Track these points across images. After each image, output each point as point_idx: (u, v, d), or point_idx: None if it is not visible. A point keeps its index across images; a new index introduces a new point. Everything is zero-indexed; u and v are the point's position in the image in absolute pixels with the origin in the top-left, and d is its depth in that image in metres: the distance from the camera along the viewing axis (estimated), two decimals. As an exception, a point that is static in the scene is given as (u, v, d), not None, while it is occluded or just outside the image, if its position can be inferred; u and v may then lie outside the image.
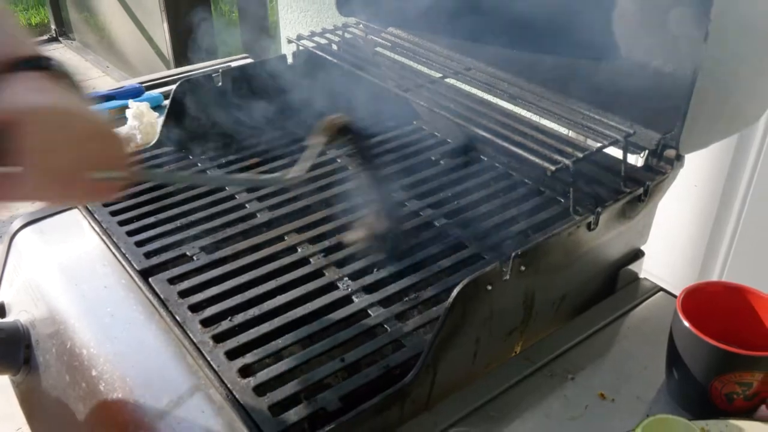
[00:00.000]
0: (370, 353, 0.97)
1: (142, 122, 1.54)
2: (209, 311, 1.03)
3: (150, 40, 4.42)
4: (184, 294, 1.07)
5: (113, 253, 1.17)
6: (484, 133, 1.17)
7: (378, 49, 1.53)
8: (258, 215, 1.25)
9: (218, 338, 0.99)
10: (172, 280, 1.10)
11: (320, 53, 1.48)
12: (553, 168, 1.05)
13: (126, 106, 1.62)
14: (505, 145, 1.14)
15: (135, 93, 1.78)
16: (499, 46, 1.37)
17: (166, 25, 3.99)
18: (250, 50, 2.20)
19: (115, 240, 1.19)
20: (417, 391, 0.92)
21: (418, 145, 1.47)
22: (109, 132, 0.79)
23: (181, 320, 1.02)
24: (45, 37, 5.98)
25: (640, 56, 1.14)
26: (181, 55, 3.96)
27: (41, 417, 1.17)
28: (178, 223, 1.23)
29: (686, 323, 0.89)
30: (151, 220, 1.23)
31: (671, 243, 1.66)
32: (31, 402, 1.19)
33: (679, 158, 1.06)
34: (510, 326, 1.03)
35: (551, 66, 1.27)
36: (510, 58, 1.34)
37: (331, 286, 1.09)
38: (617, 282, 1.17)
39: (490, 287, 0.92)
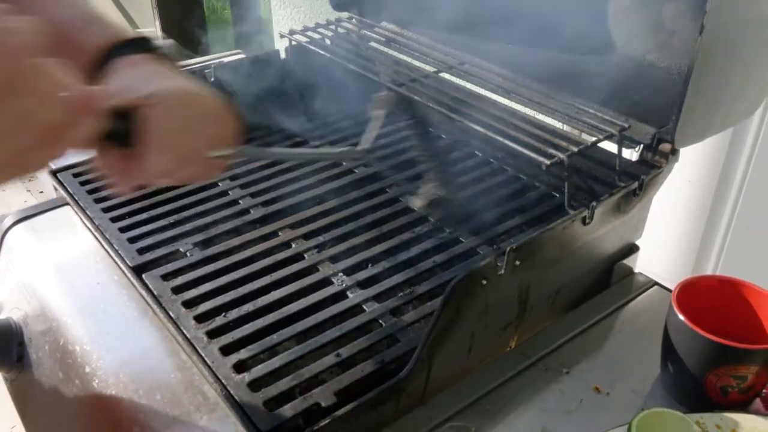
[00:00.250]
0: (365, 348, 0.97)
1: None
2: (203, 307, 1.03)
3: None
4: (177, 290, 1.06)
5: (106, 250, 1.17)
6: (478, 128, 1.17)
7: (371, 44, 1.52)
8: (251, 211, 1.24)
9: (212, 334, 0.99)
10: (166, 277, 1.09)
11: (313, 48, 1.48)
12: (548, 162, 1.05)
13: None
14: (500, 139, 1.14)
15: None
16: (493, 40, 1.37)
17: (158, 23, 3.98)
18: (242, 46, 2.19)
19: (107, 236, 1.18)
20: (412, 386, 0.92)
21: (412, 140, 1.47)
22: (226, 112, 0.81)
23: (174, 316, 1.02)
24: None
25: (634, 50, 1.14)
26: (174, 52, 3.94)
27: (35, 414, 1.17)
28: (171, 219, 1.22)
29: (681, 317, 0.89)
30: (144, 216, 1.23)
31: (665, 238, 1.66)
32: (24, 400, 1.19)
33: (674, 152, 1.06)
34: (505, 321, 1.03)
35: (545, 60, 1.27)
36: (504, 52, 1.34)
37: (326, 282, 1.08)
38: (612, 276, 1.17)
39: (485, 282, 0.92)
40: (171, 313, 1.02)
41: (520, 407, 0.95)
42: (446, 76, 1.38)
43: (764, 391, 0.92)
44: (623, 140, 1.09)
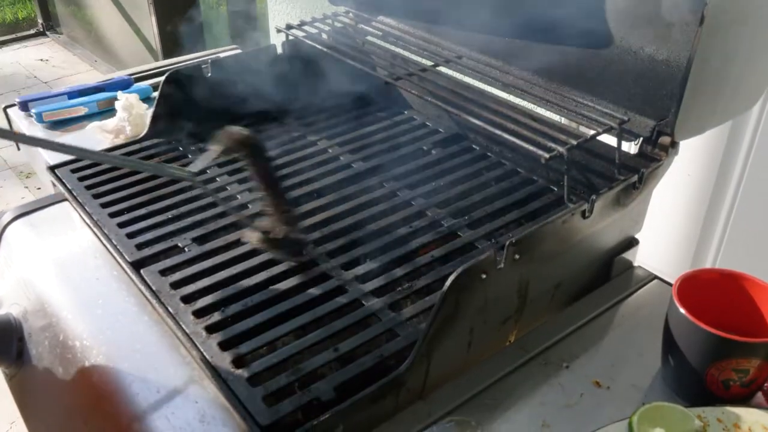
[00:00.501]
0: (364, 343, 0.96)
1: (131, 114, 1.53)
2: (202, 302, 1.03)
3: (138, 32, 4.40)
4: (176, 285, 1.06)
5: (104, 245, 1.17)
6: (476, 122, 1.16)
7: (368, 37, 1.52)
8: (250, 206, 1.24)
9: (211, 329, 0.98)
10: (164, 272, 1.09)
11: (310, 42, 1.48)
12: (547, 156, 1.04)
13: (115, 98, 1.61)
14: (498, 133, 1.13)
15: (124, 85, 1.77)
16: (491, 33, 1.36)
17: (154, 18, 3.98)
18: (238, 41, 2.19)
19: (106, 232, 1.18)
20: (411, 381, 0.92)
21: (410, 134, 1.47)
22: None
23: (173, 311, 1.01)
24: (32, 32, 5.96)
25: (633, 43, 1.14)
26: (170, 48, 3.95)
27: (35, 410, 1.16)
28: (169, 214, 1.22)
29: (682, 310, 0.88)
30: (142, 211, 1.23)
31: (664, 232, 1.66)
32: (24, 395, 1.18)
33: (674, 145, 1.06)
34: (504, 315, 1.02)
35: (544, 53, 1.26)
36: (502, 45, 1.34)
37: (324, 277, 1.08)
38: (612, 270, 1.16)
39: (484, 276, 0.91)
40: (170, 308, 1.02)
41: (520, 401, 0.95)
42: (444, 69, 1.37)
43: (766, 384, 0.92)
44: (623, 133, 1.08)
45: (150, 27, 4.09)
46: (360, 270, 1.09)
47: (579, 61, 1.22)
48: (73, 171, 1.34)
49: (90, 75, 5.04)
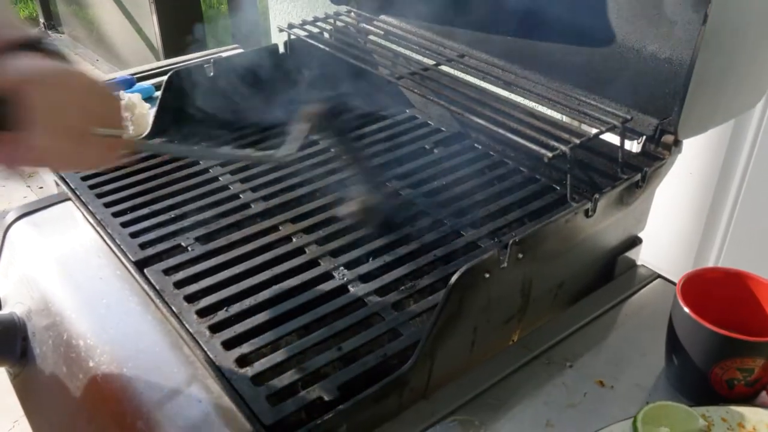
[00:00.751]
0: (367, 342, 0.96)
1: (133, 113, 1.53)
2: (205, 301, 1.03)
3: (139, 32, 4.40)
4: (179, 285, 1.06)
5: (108, 245, 1.17)
6: (478, 120, 1.16)
7: (370, 37, 1.52)
8: (252, 205, 1.24)
9: (215, 328, 0.98)
10: (168, 271, 1.09)
11: (312, 42, 1.48)
12: (550, 154, 1.04)
13: (117, 98, 1.61)
14: (500, 131, 1.13)
15: (126, 84, 1.77)
16: (493, 32, 1.36)
17: (155, 17, 3.98)
18: (240, 40, 2.19)
19: (109, 231, 1.18)
20: (415, 380, 0.92)
21: (412, 133, 1.46)
22: (106, 89, 0.82)
23: (177, 311, 1.01)
24: (33, 31, 5.95)
25: (636, 41, 1.14)
26: (171, 47, 3.95)
27: (38, 409, 1.16)
28: (172, 214, 1.22)
29: (686, 309, 0.88)
30: (145, 211, 1.23)
31: (667, 230, 1.66)
32: (28, 394, 1.18)
33: (677, 144, 1.06)
34: (507, 314, 1.02)
35: (546, 52, 1.26)
36: (504, 44, 1.34)
37: (327, 276, 1.08)
38: (615, 269, 1.16)
39: (487, 275, 0.91)
40: (173, 308, 1.02)
41: (524, 401, 0.95)
42: (446, 68, 1.37)
43: (771, 383, 0.92)
44: (626, 132, 1.08)
45: (151, 26, 4.08)
46: (363, 269, 1.09)
47: (581, 59, 1.22)
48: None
49: (91, 74, 5.03)
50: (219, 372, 0.92)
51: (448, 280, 0.88)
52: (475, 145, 1.40)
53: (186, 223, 1.19)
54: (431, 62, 1.38)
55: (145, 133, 1.45)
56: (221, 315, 1.01)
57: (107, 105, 0.82)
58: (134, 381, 0.96)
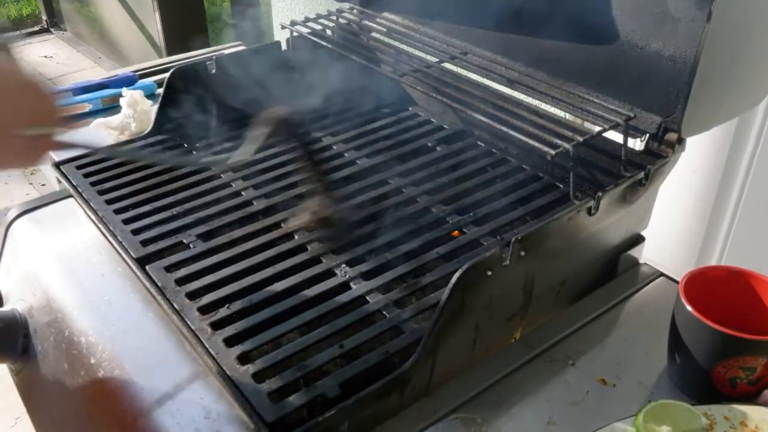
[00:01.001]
0: (369, 340, 0.96)
1: (136, 110, 1.53)
2: (207, 298, 1.03)
3: (142, 29, 4.40)
4: (181, 282, 1.06)
5: (110, 242, 1.16)
6: (481, 118, 1.16)
7: (373, 34, 1.52)
8: (254, 203, 1.24)
9: (216, 325, 0.98)
10: (169, 268, 1.09)
11: (315, 39, 1.47)
12: (553, 152, 1.04)
13: (120, 95, 1.61)
14: (503, 129, 1.13)
15: (128, 81, 1.77)
16: (495, 29, 1.36)
17: (157, 15, 3.98)
18: (242, 37, 2.19)
19: (111, 228, 1.18)
20: (417, 378, 0.91)
21: (414, 131, 1.46)
22: (39, 85, 0.78)
23: (178, 308, 1.01)
24: (36, 28, 5.96)
25: (639, 39, 1.13)
26: (174, 44, 3.95)
27: (40, 405, 1.16)
28: (174, 211, 1.22)
29: (689, 308, 0.88)
30: (147, 208, 1.22)
31: (670, 229, 1.65)
32: (30, 390, 1.18)
33: (681, 142, 1.05)
34: (510, 312, 1.02)
35: (549, 49, 1.26)
36: (507, 41, 1.33)
37: (329, 273, 1.08)
38: (617, 267, 1.16)
39: (489, 273, 0.91)
40: (175, 305, 1.02)
41: (526, 399, 0.95)
42: (449, 65, 1.37)
43: (773, 382, 0.92)
44: (629, 130, 1.08)
45: (154, 24, 4.09)
46: (365, 267, 1.08)
47: (585, 57, 1.22)
48: (78, 167, 1.34)
49: (94, 72, 5.04)
50: (220, 369, 0.92)
51: (450, 277, 0.88)
52: (478, 142, 1.40)
53: (188, 220, 1.19)
54: (434, 59, 1.38)
55: (148, 130, 1.45)
56: (223, 312, 1.00)
57: (39, 102, 0.78)
58: (135, 378, 0.96)
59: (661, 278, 1.16)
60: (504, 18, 1.32)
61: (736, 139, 1.50)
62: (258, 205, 1.23)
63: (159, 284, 1.06)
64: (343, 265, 1.09)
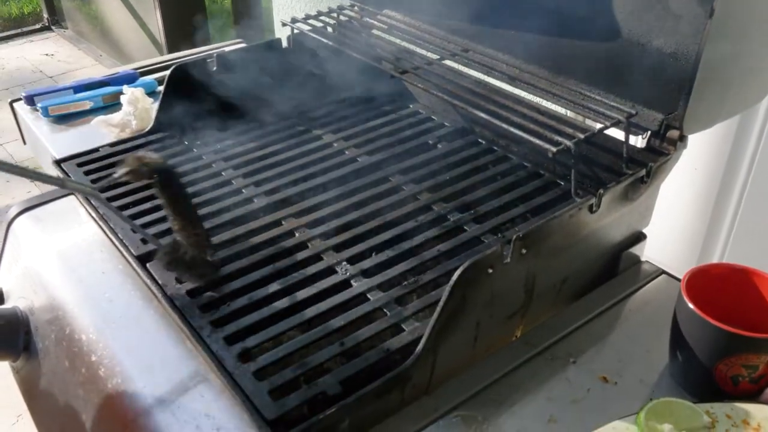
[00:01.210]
0: (370, 337, 0.96)
1: (137, 108, 1.53)
2: (207, 296, 1.03)
3: (143, 26, 4.40)
4: (181, 279, 1.06)
5: (110, 239, 1.16)
6: (482, 115, 1.16)
7: (374, 31, 1.51)
8: (255, 200, 1.24)
9: (217, 323, 0.98)
10: (170, 266, 1.09)
11: (315, 36, 1.47)
12: (554, 149, 1.04)
13: (120, 92, 1.61)
14: (504, 126, 1.13)
15: (129, 79, 1.76)
16: (497, 26, 1.36)
17: (158, 12, 3.98)
18: (243, 35, 2.18)
19: (112, 225, 1.17)
20: (417, 375, 0.91)
21: (415, 128, 1.46)
22: None
23: (179, 305, 1.01)
24: (37, 26, 5.96)
25: (641, 36, 1.13)
26: (175, 42, 3.95)
27: (41, 403, 1.16)
28: (174, 208, 1.21)
29: (691, 305, 0.88)
30: (148, 205, 1.22)
31: (672, 226, 1.65)
32: (31, 388, 1.18)
33: (683, 139, 1.05)
34: (511, 310, 1.02)
35: (550, 46, 1.26)
36: (508, 38, 1.33)
37: (330, 271, 1.08)
38: (619, 265, 1.16)
39: (490, 270, 0.91)
40: (176, 302, 1.02)
41: (527, 396, 0.95)
42: (450, 62, 1.37)
43: (775, 380, 0.92)
44: (630, 127, 1.08)
45: (155, 21, 4.09)
46: (365, 264, 1.08)
47: (586, 54, 1.21)
48: (79, 165, 1.34)
49: (95, 69, 5.05)
50: (221, 367, 0.91)
51: (451, 275, 0.88)
52: (479, 140, 1.40)
53: (188, 217, 1.19)
54: (435, 57, 1.38)
55: (148, 127, 1.45)
56: (224, 310, 1.00)
57: None
58: (136, 375, 0.96)
59: (663, 276, 1.15)
60: (505, 15, 1.32)
61: (738, 137, 1.49)
62: (259, 203, 1.23)
63: (160, 282, 1.06)
64: (344, 263, 1.09)
